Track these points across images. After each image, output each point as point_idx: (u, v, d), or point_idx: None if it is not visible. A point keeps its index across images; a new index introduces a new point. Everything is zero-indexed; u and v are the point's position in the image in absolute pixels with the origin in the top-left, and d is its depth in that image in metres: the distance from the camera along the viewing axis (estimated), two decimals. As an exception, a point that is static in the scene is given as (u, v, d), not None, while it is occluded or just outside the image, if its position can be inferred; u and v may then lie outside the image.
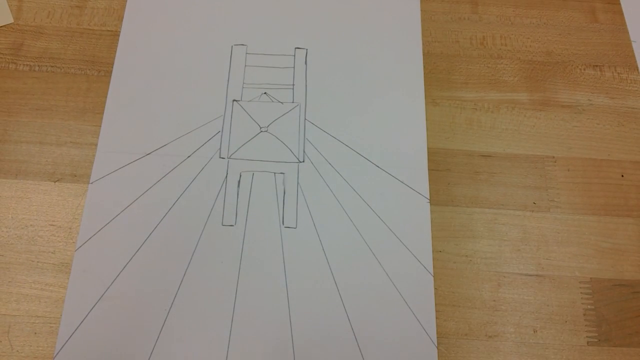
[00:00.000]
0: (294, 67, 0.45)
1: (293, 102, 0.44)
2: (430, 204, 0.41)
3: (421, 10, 0.48)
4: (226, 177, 0.41)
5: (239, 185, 0.41)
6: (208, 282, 0.37)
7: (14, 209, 0.39)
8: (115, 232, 0.39)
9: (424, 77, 0.45)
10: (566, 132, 0.44)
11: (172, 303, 0.37)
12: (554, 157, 0.43)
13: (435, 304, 0.37)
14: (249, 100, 0.44)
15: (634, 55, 0.47)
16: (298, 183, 0.41)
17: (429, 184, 0.41)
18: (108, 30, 0.46)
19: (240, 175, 0.41)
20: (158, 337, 0.36)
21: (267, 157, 0.42)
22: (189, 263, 0.38)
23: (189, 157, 0.41)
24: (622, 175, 0.43)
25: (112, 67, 0.45)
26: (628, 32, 0.48)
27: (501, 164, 0.43)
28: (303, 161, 0.42)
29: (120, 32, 0.46)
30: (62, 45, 0.45)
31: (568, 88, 0.46)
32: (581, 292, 0.39)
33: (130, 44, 0.46)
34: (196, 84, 0.44)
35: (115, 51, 0.45)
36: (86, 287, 0.37)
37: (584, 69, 0.47)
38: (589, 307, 0.38)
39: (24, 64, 0.44)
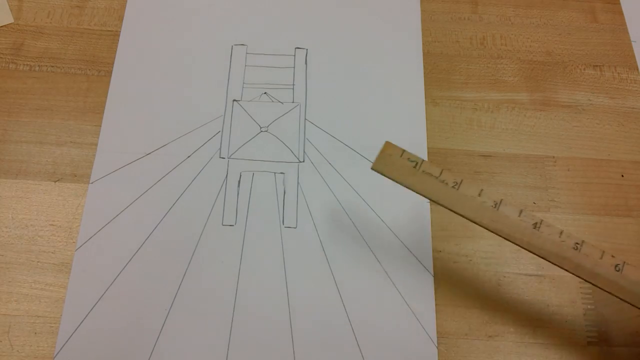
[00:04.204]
0: (294, 67, 0.45)
1: (293, 102, 0.44)
2: (431, 204, 0.41)
3: (421, 10, 0.49)
4: (226, 177, 0.41)
5: (239, 185, 0.41)
6: (208, 282, 0.37)
7: (14, 209, 0.39)
8: (115, 232, 0.39)
9: (424, 77, 0.45)
10: (566, 132, 0.44)
11: (172, 303, 0.37)
12: (554, 157, 0.43)
13: (435, 304, 0.37)
14: (249, 100, 0.44)
15: (634, 55, 0.47)
16: (298, 183, 0.41)
17: (429, 184, 0.41)
18: (108, 30, 0.46)
19: (240, 175, 0.41)
20: (158, 337, 0.36)
21: (267, 157, 0.42)
22: (189, 263, 0.38)
23: (189, 157, 0.41)
24: (622, 175, 0.43)
25: (113, 67, 0.45)
26: (628, 32, 0.48)
27: (501, 164, 0.43)
28: (303, 161, 0.42)
29: (120, 32, 0.46)
30: (63, 45, 0.46)
31: (568, 88, 0.46)
32: (581, 292, 0.39)
33: (130, 44, 0.46)
34: (196, 84, 0.44)
35: (116, 51, 0.45)
36: (86, 287, 0.37)
37: (584, 69, 0.47)
38: (589, 307, 0.38)
39: (24, 64, 0.45)
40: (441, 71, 0.46)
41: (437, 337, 0.36)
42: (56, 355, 0.35)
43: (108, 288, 0.37)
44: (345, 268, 0.38)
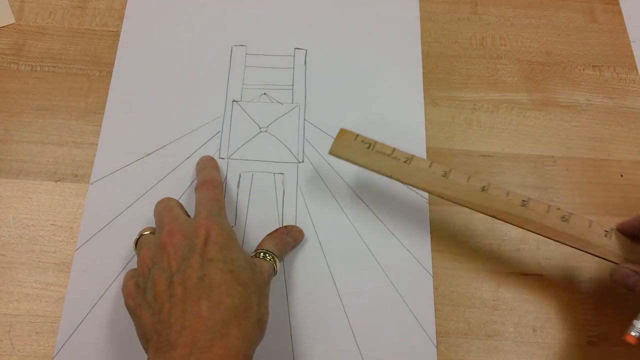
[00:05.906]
0: (293, 68, 0.45)
1: (292, 102, 0.44)
2: (430, 204, 0.41)
3: (421, 11, 0.49)
4: (226, 177, 0.41)
5: (238, 186, 0.41)
6: (208, 282, 0.37)
7: (15, 209, 0.39)
8: (115, 232, 0.39)
9: (424, 77, 0.46)
10: (565, 132, 0.44)
11: (172, 302, 0.37)
12: (553, 157, 0.43)
13: (435, 304, 0.37)
14: (249, 100, 0.44)
15: (633, 56, 0.47)
16: (297, 183, 0.41)
17: (429, 184, 0.41)
18: (109, 31, 0.47)
19: (240, 176, 0.41)
20: (158, 336, 0.36)
21: (266, 158, 0.42)
22: (189, 263, 0.38)
23: (189, 157, 0.41)
24: (622, 175, 0.43)
25: (113, 67, 0.45)
26: (627, 33, 0.48)
27: (501, 164, 0.43)
28: (302, 161, 0.42)
29: (121, 32, 0.46)
30: (64, 45, 0.46)
31: (567, 88, 0.46)
32: (581, 292, 0.39)
33: (130, 44, 0.46)
34: (196, 84, 0.44)
35: (117, 51, 0.45)
36: (86, 287, 0.37)
37: (583, 69, 0.47)
38: (589, 307, 0.38)
39: (25, 64, 0.45)
40: (440, 71, 0.46)
41: (437, 337, 0.37)
42: (56, 354, 0.35)
43: (108, 288, 0.37)
44: (345, 268, 0.38)
